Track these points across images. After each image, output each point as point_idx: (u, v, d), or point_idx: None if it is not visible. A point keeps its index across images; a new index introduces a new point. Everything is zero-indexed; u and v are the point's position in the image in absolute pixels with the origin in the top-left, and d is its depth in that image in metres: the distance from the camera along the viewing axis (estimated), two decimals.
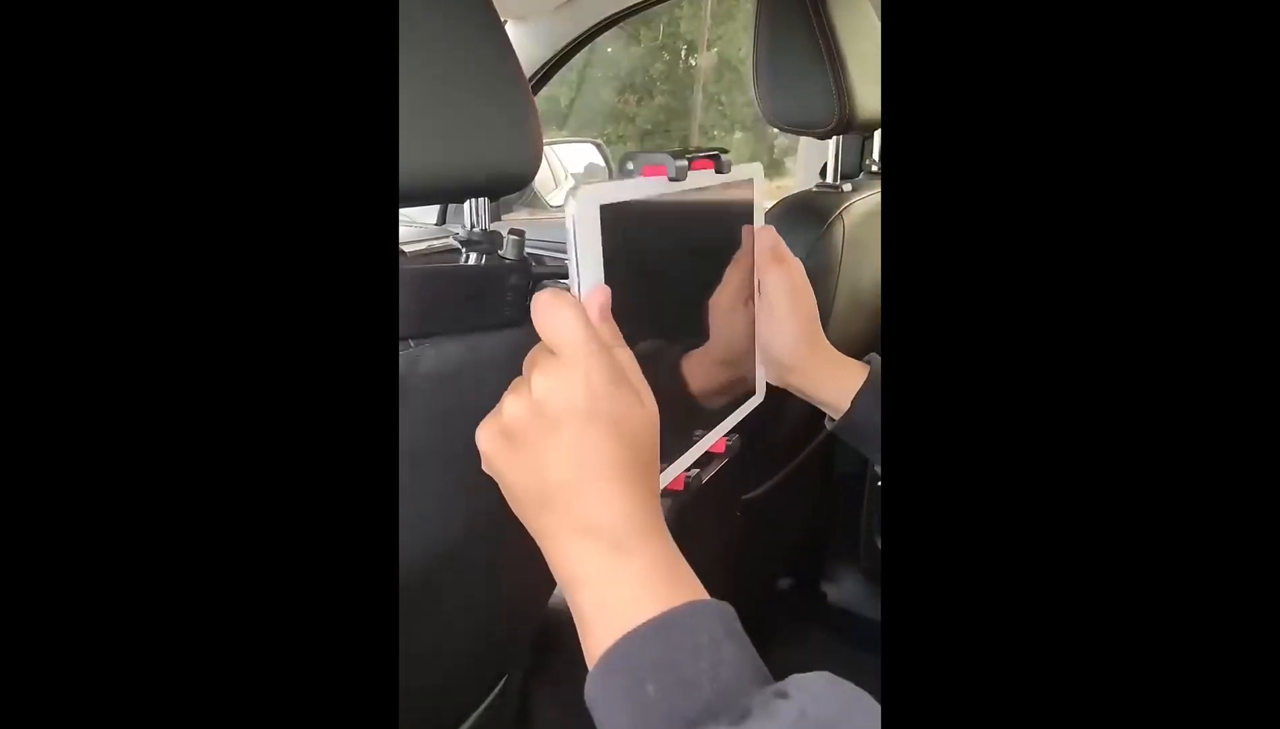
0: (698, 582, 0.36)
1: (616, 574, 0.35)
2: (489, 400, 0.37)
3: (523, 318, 0.45)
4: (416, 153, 0.38)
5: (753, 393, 0.55)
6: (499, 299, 0.45)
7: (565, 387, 0.36)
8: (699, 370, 0.49)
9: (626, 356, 0.38)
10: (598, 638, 0.34)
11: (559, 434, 0.35)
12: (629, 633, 0.33)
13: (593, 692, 0.34)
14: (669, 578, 0.36)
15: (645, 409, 0.37)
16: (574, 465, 0.35)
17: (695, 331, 0.48)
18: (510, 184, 0.44)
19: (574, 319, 0.36)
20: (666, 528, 0.38)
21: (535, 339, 0.36)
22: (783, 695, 0.30)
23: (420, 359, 0.41)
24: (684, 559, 0.37)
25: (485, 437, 0.38)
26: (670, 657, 0.33)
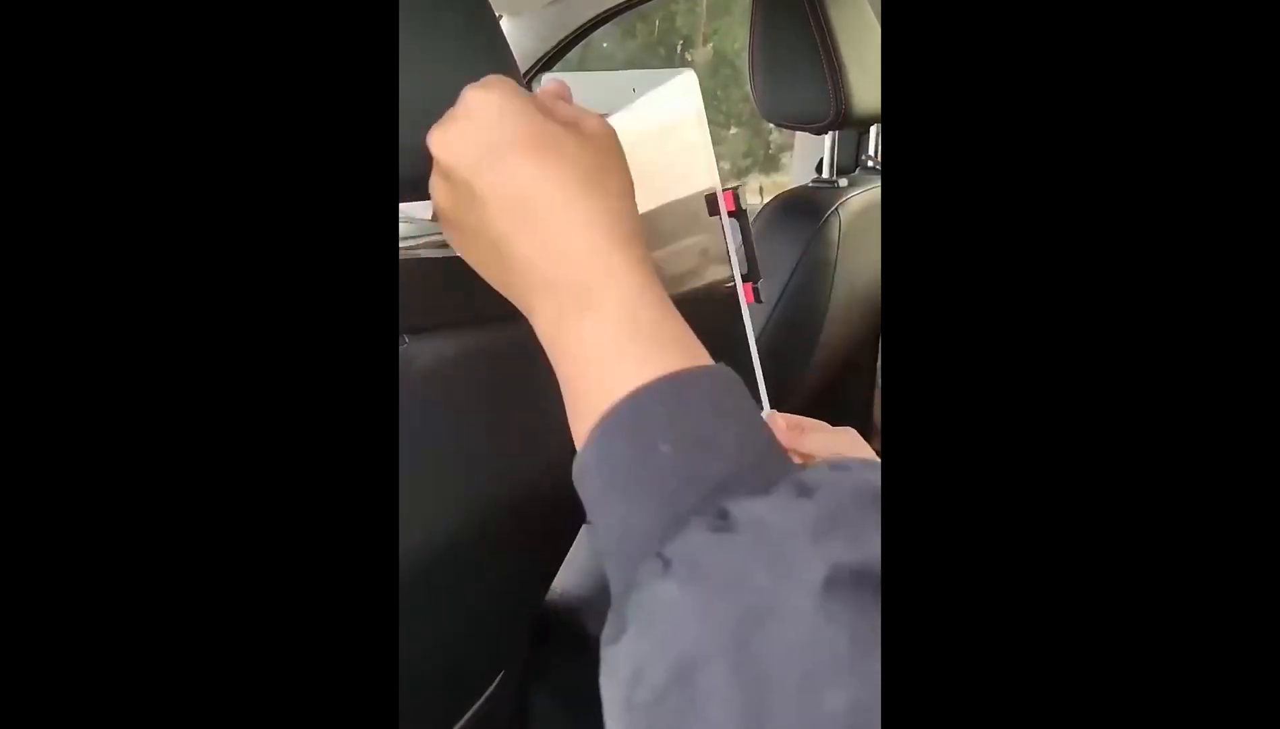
0: (701, 345, 0.30)
1: (596, 333, 0.29)
2: (484, 395, 0.37)
3: (516, 311, 0.44)
4: (410, 146, 0.38)
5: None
6: (492, 291, 0.44)
7: (466, 131, 0.31)
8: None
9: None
10: (590, 403, 0.28)
11: (480, 181, 0.31)
12: (633, 391, 0.27)
13: (587, 460, 0.28)
14: (665, 335, 0.29)
15: (585, 130, 0.31)
16: (507, 211, 0.30)
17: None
18: None
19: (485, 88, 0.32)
20: (652, 273, 0.31)
21: (529, 333, 0.36)
22: (806, 494, 0.25)
23: (415, 356, 0.41)
24: (682, 318, 0.31)
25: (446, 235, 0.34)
26: (689, 415, 0.27)
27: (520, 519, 0.37)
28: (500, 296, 0.36)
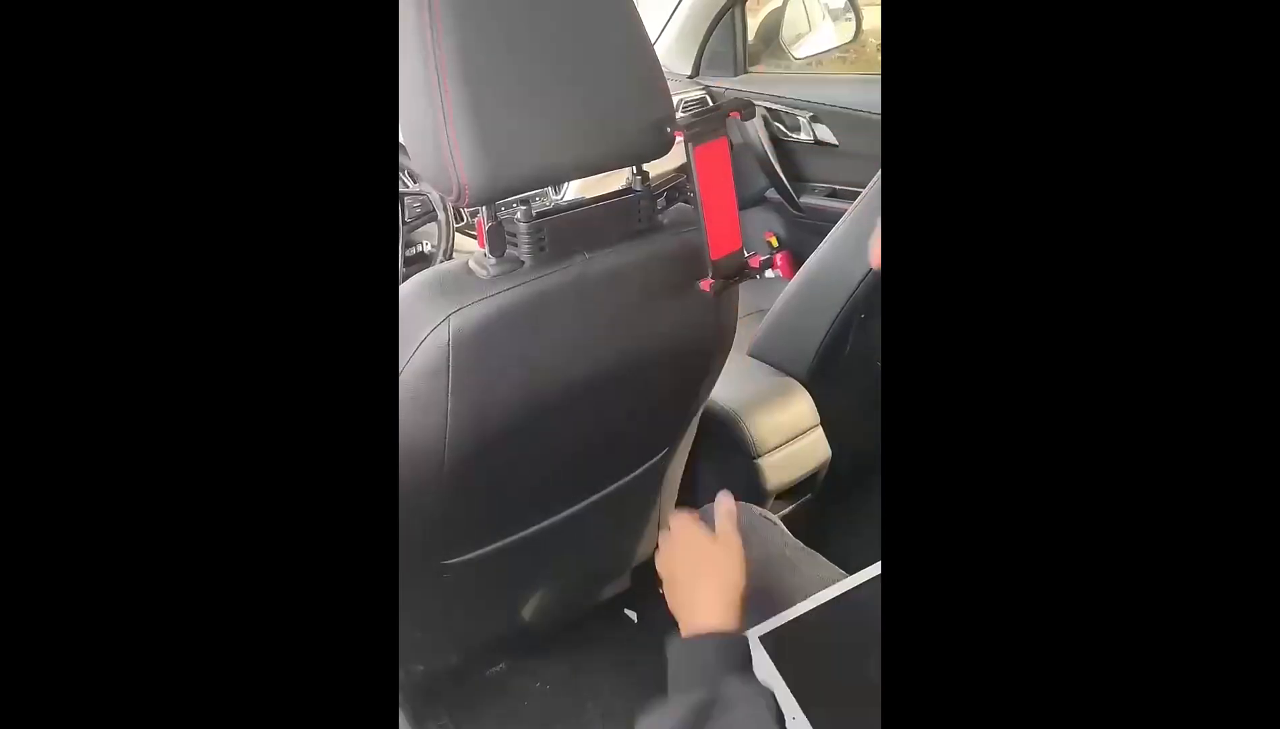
0: None
1: None
2: (636, 294, 0.65)
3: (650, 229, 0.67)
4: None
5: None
6: (634, 217, 0.66)
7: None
8: None
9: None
10: None
11: None
12: None
13: None
14: None
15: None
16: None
17: None
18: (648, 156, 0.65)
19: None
20: None
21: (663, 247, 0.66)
22: None
23: (590, 262, 0.63)
24: None
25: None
26: None
27: (671, 358, 0.71)
28: (637, 220, 0.66)
